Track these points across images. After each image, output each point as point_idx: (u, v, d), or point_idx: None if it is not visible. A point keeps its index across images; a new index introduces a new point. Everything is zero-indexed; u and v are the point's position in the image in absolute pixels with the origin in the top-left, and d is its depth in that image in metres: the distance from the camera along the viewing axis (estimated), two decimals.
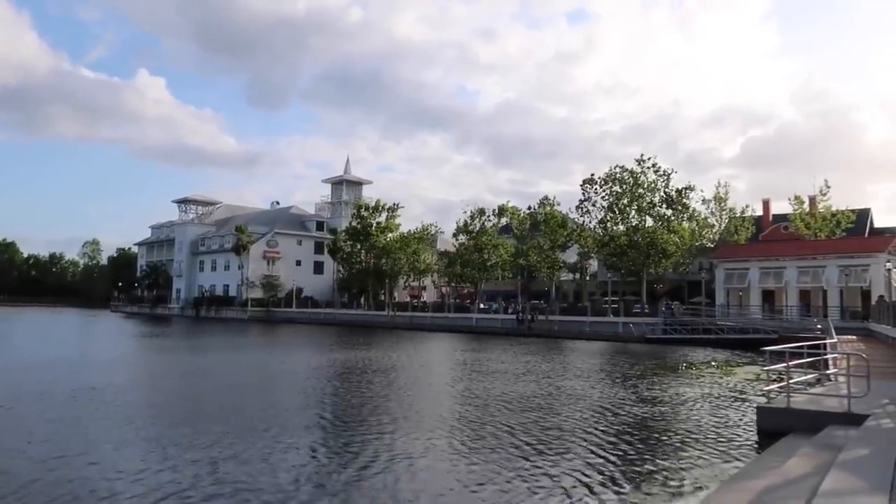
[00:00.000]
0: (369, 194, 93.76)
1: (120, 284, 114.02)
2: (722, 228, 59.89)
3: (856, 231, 55.99)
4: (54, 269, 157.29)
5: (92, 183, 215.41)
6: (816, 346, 17.22)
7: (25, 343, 37.99)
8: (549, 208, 63.59)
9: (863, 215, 60.61)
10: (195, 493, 8.36)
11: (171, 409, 15.24)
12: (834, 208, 55.82)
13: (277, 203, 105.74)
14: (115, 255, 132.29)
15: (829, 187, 56.79)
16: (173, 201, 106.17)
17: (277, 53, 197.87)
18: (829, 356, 16.49)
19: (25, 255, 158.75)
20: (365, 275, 74.67)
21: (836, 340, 19.44)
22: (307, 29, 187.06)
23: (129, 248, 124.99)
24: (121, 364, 26.93)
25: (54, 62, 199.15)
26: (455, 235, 68.53)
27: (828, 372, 14.96)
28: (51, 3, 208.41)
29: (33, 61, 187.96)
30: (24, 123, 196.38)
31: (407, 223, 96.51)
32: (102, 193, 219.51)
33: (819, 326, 33.39)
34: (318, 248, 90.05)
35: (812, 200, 57.19)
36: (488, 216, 66.85)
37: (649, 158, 53.34)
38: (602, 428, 13.25)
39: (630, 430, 13.15)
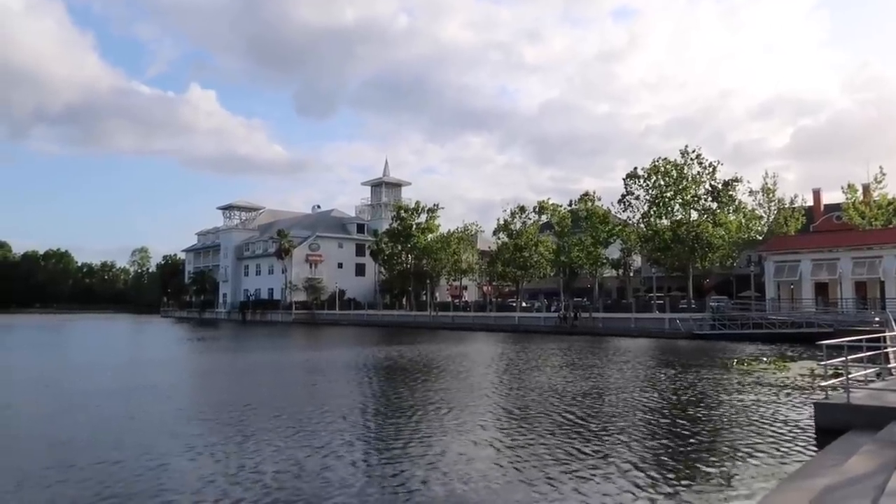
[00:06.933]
0: (409, 195, 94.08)
1: (169, 290, 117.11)
2: (771, 220, 58.20)
3: None
4: (106, 278, 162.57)
5: (142, 193, 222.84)
6: (875, 340, 16.57)
7: (107, 348, 39.34)
8: (589, 204, 62.66)
9: None
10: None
11: (248, 402, 15.55)
12: (890, 196, 53.71)
13: (318, 207, 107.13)
14: (162, 262, 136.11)
15: (884, 174, 54.75)
16: (218, 208, 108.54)
17: (326, 63, 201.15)
18: (889, 349, 15.83)
19: (79, 264, 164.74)
20: (406, 276, 75.05)
21: None
22: (355, 38, 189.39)
23: (177, 255, 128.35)
24: (196, 364, 29.27)
25: (113, 80, 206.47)
26: (495, 234, 68.18)
27: (889, 366, 14.39)
28: (113, 23, 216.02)
29: (94, 80, 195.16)
30: (83, 137, 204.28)
31: (448, 223, 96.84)
32: (152, 203, 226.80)
33: (878, 319, 32.16)
34: (360, 251, 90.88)
35: (866, 189, 55.14)
36: (528, 213, 66.28)
37: (693, 150, 52.23)
38: (654, 425, 12.97)
39: (682, 428, 12.82)
